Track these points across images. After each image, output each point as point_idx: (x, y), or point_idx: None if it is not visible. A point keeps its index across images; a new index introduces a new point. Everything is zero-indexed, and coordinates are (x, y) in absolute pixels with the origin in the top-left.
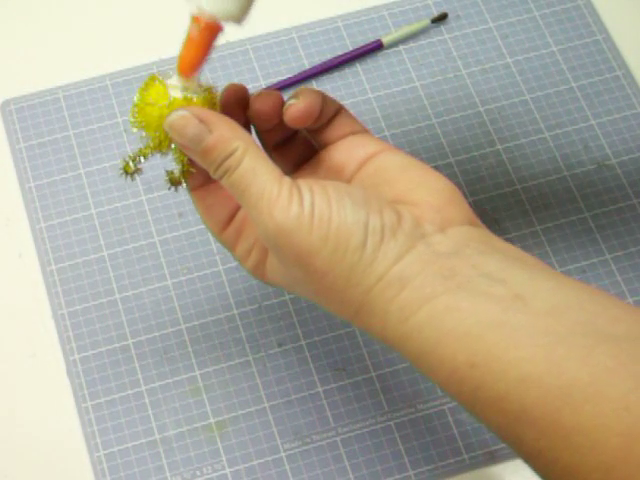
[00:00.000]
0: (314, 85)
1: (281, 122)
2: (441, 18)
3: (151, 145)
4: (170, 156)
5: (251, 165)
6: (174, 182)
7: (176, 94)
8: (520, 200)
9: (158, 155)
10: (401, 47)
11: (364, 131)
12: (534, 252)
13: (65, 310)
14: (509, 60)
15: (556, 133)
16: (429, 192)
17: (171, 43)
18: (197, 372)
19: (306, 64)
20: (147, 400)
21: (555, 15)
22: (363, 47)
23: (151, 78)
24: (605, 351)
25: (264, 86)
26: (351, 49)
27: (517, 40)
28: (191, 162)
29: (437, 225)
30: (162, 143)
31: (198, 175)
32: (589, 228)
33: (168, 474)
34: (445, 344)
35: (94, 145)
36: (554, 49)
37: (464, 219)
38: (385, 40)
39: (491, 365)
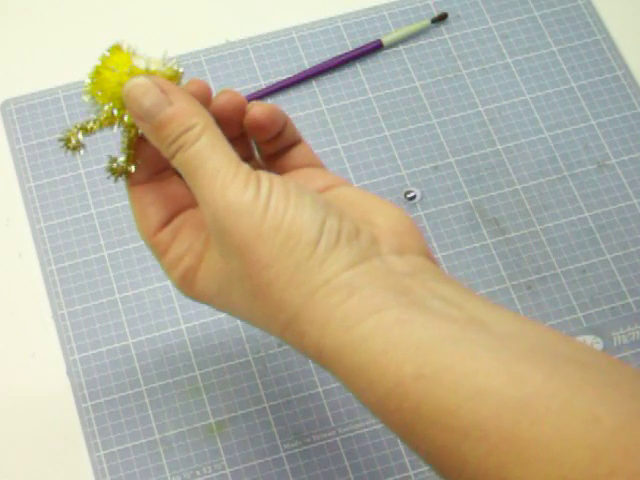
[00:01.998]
0: (314, 85)
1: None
2: (441, 18)
3: (101, 118)
4: (117, 140)
5: (210, 142)
6: (116, 172)
7: (139, 64)
8: (520, 200)
9: (104, 130)
10: (401, 47)
11: (322, 166)
12: (534, 252)
13: (65, 310)
14: (509, 60)
15: (556, 133)
16: (388, 218)
17: (171, 43)
18: (197, 372)
19: (306, 64)
20: (147, 400)
21: (555, 15)
22: (363, 47)
23: (116, 46)
24: (572, 371)
25: (264, 86)
26: (351, 49)
27: (517, 40)
28: (137, 150)
29: (394, 248)
30: (114, 116)
31: (142, 169)
32: (589, 228)
33: (168, 474)
34: (391, 355)
35: (94, 145)
36: (554, 49)
37: (421, 251)
38: (385, 40)
39: (442, 377)
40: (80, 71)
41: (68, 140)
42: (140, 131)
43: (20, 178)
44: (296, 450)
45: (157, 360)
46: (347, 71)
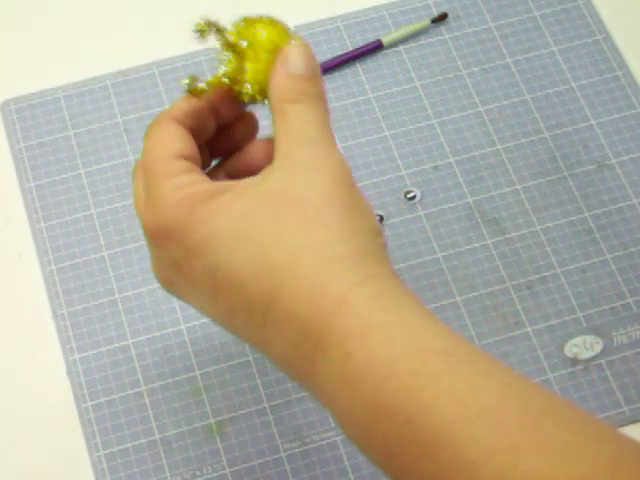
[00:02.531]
0: None
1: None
2: (441, 18)
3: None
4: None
5: (323, 116)
6: (195, 91)
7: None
8: (520, 200)
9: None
10: (401, 47)
11: None
12: (534, 252)
13: (65, 310)
14: (509, 60)
15: (556, 133)
16: None
17: (171, 43)
18: (197, 372)
19: None
20: (147, 400)
21: (555, 15)
22: (363, 47)
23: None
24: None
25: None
26: (351, 49)
27: (517, 40)
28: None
29: None
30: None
31: (204, 121)
32: (589, 228)
33: (168, 474)
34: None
35: (94, 145)
36: (554, 49)
37: None
38: (385, 40)
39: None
40: (80, 71)
41: (202, 30)
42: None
43: (20, 178)
44: (296, 450)
45: (157, 360)
46: (347, 71)
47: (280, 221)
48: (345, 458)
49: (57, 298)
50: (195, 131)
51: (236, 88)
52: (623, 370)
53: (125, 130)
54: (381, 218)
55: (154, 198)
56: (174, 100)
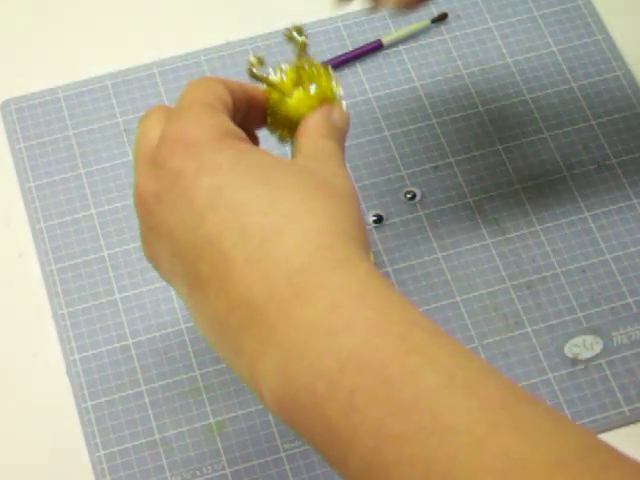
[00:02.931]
0: None
1: None
2: (441, 18)
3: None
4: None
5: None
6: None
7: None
8: (520, 200)
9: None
10: (401, 47)
11: None
12: (534, 252)
13: (65, 310)
14: (509, 60)
15: (556, 133)
16: None
17: (171, 43)
18: (197, 372)
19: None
20: (147, 400)
21: (555, 15)
22: (363, 47)
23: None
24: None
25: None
26: (351, 49)
27: (517, 40)
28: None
29: None
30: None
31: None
32: (589, 228)
33: (168, 474)
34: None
35: (94, 145)
36: (554, 49)
37: None
38: (385, 40)
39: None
40: (80, 71)
41: (290, 36)
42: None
43: (20, 178)
44: (296, 450)
45: (157, 360)
46: (347, 71)
47: (309, 192)
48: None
49: (57, 298)
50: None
51: (269, 109)
52: (623, 370)
53: (125, 130)
54: (381, 218)
55: (187, 116)
56: (174, 100)
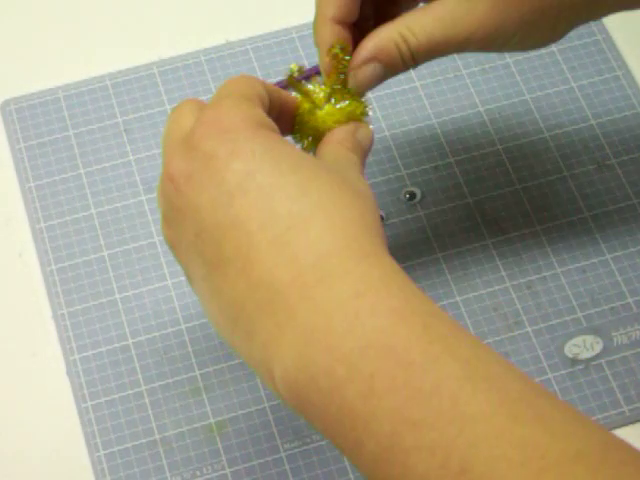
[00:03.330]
0: None
1: None
2: None
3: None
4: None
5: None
6: (291, 82)
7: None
8: (520, 200)
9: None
10: None
11: None
12: (534, 252)
13: (65, 310)
14: (509, 60)
15: (556, 133)
16: None
17: (171, 43)
18: (197, 372)
19: (306, 64)
20: (147, 400)
21: None
22: None
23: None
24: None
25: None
26: None
27: None
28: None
29: None
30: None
31: None
32: (589, 228)
33: (168, 474)
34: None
35: (94, 145)
36: (554, 49)
37: None
38: None
39: None
40: (80, 71)
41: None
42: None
43: (20, 178)
44: (296, 450)
45: (157, 360)
46: None
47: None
48: (345, 458)
49: (57, 298)
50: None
51: (298, 117)
52: (623, 370)
53: (125, 130)
54: (381, 218)
55: (224, 104)
56: (174, 100)
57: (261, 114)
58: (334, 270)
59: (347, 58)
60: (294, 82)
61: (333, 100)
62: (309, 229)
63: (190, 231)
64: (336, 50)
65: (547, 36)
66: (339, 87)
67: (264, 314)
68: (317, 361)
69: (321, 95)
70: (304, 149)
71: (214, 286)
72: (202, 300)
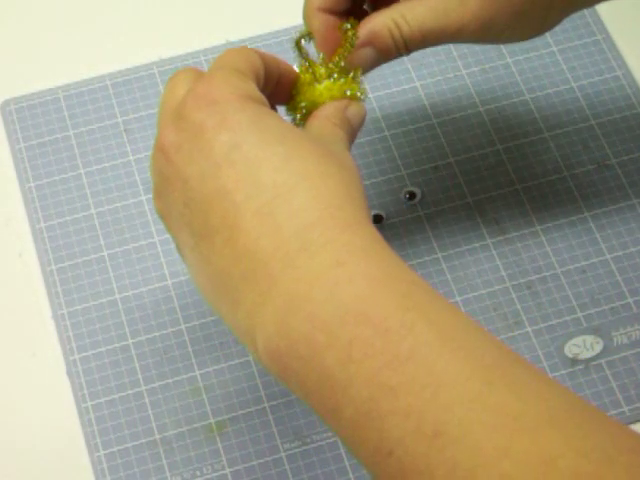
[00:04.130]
0: None
1: None
2: None
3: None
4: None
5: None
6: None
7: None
8: (520, 200)
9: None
10: None
11: None
12: (534, 252)
13: (65, 310)
14: (509, 60)
15: (556, 133)
16: None
17: (171, 43)
18: (197, 372)
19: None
20: (147, 400)
21: None
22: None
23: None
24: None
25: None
26: None
27: None
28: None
29: None
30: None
31: None
32: (589, 228)
33: (168, 474)
34: None
35: (94, 145)
36: (554, 49)
37: None
38: None
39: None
40: (80, 71)
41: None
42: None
43: (20, 178)
44: (296, 450)
45: (157, 360)
46: None
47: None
48: (345, 458)
49: (57, 298)
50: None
51: (296, 89)
52: (623, 370)
53: (125, 130)
54: (381, 218)
55: (215, 76)
56: None
57: (252, 87)
58: (316, 240)
59: (352, 33)
60: (301, 48)
61: (335, 76)
62: (293, 199)
63: (179, 201)
64: (347, 26)
65: (540, 25)
66: (341, 66)
67: (248, 283)
68: (298, 328)
69: (322, 70)
70: (295, 123)
71: (202, 256)
72: (191, 270)
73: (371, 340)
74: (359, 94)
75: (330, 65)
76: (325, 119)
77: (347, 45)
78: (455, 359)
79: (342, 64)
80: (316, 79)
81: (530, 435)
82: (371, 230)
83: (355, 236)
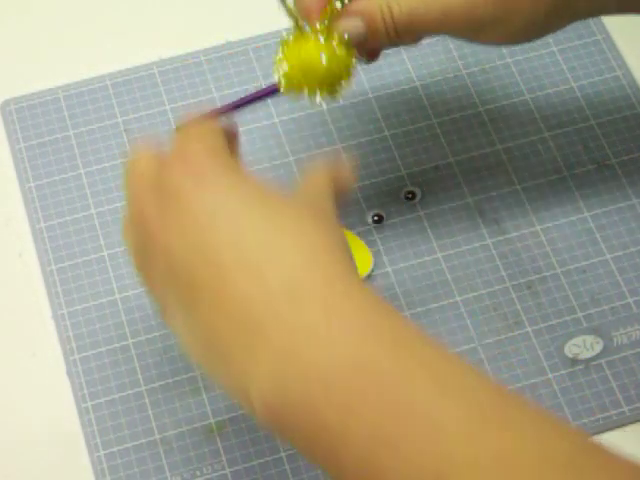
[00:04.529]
0: None
1: None
2: None
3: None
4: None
5: None
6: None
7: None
8: (520, 200)
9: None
10: (401, 47)
11: None
12: (534, 252)
13: (65, 310)
14: (509, 60)
15: (556, 133)
16: None
17: (171, 43)
18: (197, 372)
19: None
20: (147, 400)
21: None
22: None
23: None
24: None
25: (264, 86)
26: None
27: None
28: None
29: None
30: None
31: None
32: (589, 228)
33: (168, 474)
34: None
35: (94, 145)
36: (554, 49)
37: None
38: None
39: None
40: (80, 71)
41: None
42: None
43: (20, 178)
44: (296, 450)
45: (157, 360)
46: None
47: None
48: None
49: (57, 298)
50: None
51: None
52: (623, 370)
53: (125, 130)
54: (381, 218)
55: (189, 141)
56: (174, 100)
57: (225, 147)
58: (304, 293)
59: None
60: (287, 4)
61: (324, 38)
62: (278, 256)
63: (162, 267)
64: None
65: (525, 27)
66: (329, 27)
67: (239, 342)
68: (293, 384)
69: (321, 27)
70: (283, 82)
71: (189, 319)
72: (177, 332)
73: (367, 392)
74: (351, 65)
75: (318, 25)
76: (319, 189)
77: (332, 16)
78: (452, 405)
79: (326, 23)
80: (303, 36)
81: (527, 474)
82: (357, 280)
83: (341, 287)
